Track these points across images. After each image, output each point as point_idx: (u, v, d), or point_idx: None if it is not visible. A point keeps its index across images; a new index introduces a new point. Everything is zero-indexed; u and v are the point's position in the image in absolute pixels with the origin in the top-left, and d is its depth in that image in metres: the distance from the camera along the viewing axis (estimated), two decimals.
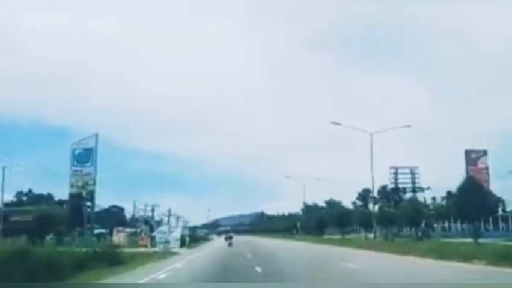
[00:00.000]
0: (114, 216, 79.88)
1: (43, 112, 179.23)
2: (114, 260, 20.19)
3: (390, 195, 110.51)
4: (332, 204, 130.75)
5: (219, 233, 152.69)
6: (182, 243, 40.49)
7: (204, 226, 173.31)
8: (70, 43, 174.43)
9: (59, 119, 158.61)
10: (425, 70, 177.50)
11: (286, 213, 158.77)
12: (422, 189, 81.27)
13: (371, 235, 78.66)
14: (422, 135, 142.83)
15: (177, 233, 41.48)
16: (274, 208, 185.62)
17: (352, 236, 77.87)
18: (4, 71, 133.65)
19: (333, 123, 45.68)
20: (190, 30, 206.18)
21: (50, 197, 73.66)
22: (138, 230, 47.59)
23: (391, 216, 55.49)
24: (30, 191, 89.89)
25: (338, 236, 77.05)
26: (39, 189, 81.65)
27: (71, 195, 58.12)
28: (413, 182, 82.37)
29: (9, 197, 74.30)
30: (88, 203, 59.80)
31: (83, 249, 21.58)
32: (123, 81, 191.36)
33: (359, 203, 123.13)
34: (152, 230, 26.99)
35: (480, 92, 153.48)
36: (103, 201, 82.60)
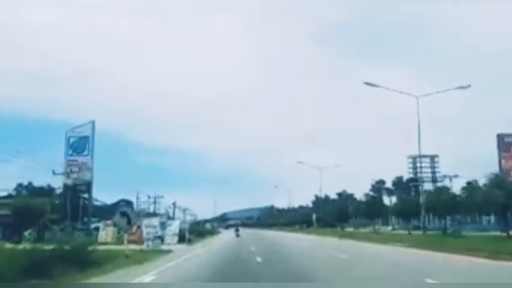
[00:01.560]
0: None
1: (46, 107, 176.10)
2: (81, 262, 15.86)
3: (406, 186, 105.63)
4: (344, 196, 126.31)
5: (227, 227, 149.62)
6: (181, 239, 35.36)
7: (213, 220, 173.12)
8: (73, 39, 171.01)
9: (61, 114, 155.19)
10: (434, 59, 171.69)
11: (297, 206, 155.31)
12: (442, 179, 75.87)
13: (389, 228, 74.14)
14: (445, 121, 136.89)
15: (175, 227, 36.35)
16: (284, 202, 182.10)
17: (367, 229, 73.14)
18: (6, 67, 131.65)
19: (366, 83, 38.31)
20: (192, 26, 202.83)
21: (50, 189, 69.50)
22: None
23: (413, 208, 50.23)
24: (30, 183, 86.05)
25: (351, 229, 72.12)
26: (41, 182, 77.80)
27: (65, 186, 54.27)
28: (433, 172, 77.05)
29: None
30: (85, 195, 56.12)
31: (51, 247, 17.21)
32: (127, 78, 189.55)
33: (372, 194, 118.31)
34: (129, 223, 21.57)
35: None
36: (111, 196, 79.33)
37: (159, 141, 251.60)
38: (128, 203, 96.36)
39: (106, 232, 32.59)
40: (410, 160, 79.14)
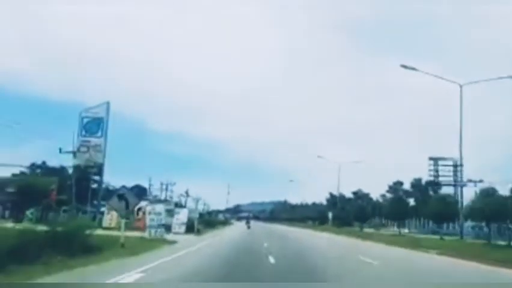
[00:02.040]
0: (137, 197, 75.41)
1: (67, 90, 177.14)
2: (71, 247, 14.33)
3: (425, 188, 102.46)
4: (360, 195, 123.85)
5: (239, 218, 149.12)
6: (190, 228, 33.97)
7: (226, 211, 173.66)
8: (96, 26, 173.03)
9: (81, 96, 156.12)
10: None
11: (310, 203, 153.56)
12: (464, 184, 72.79)
13: (405, 230, 71.62)
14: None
15: (183, 215, 34.74)
16: (297, 197, 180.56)
17: (387, 230, 70.77)
18: (32, 53, 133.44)
19: (402, 66, 34.61)
20: (214, 15, 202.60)
21: (63, 169, 68.54)
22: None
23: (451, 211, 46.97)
24: (44, 163, 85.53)
25: (370, 230, 69.55)
26: (55, 162, 77.22)
27: (76, 167, 53.22)
28: (456, 175, 73.85)
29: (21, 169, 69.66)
30: (96, 177, 55.08)
31: (44, 229, 15.75)
32: (147, 66, 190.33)
33: (388, 195, 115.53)
34: (128, 207, 19.39)
35: None
36: (126, 181, 78.49)
37: (177, 129, 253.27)
38: (142, 189, 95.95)
39: (110, 216, 31.10)
40: (432, 162, 75.95)
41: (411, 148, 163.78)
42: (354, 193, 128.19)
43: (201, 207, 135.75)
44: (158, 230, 24.58)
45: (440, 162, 74.29)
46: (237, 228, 57.48)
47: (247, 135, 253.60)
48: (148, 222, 24.86)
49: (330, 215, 70.77)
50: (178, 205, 72.58)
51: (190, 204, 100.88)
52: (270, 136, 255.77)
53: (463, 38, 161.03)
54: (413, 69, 35.21)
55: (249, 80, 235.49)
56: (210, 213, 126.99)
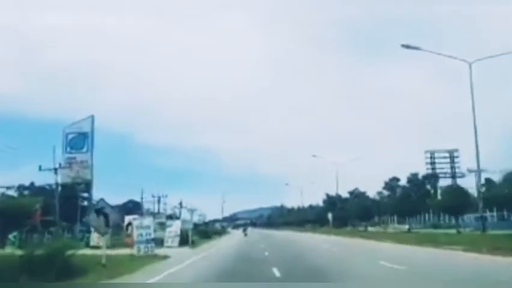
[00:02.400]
0: (130, 212, 73.19)
1: (56, 109, 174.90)
2: (50, 270, 12.70)
3: (422, 183, 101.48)
4: (356, 195, 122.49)
5: (236, 226, 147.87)
6: (184, 241, 31.80)
7: (223, 220, 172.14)
8: (82, 39, 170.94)
9: (68, 114, 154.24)
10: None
11: (306, 206, 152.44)
12: (462, 175, 71.63)
13: (406, 226, 70.22)
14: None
15: (175, 228, 32.35)
16: (292, 201, 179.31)
17: (384, 228, 69.19)
18: (20, 69, 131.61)
19: (404, 46, 31.35)
20: (201, 26, 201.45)
21: (51, 189, 66.25)
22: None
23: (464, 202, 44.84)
24: (32, 183, 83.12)
25: (374, 229, 67.58)
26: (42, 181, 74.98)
27: (63, 186, 51.29)
28: (453, 167, 72.90)
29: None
30: (85, 194, 53.17)
31: (20, 253, 14.15)
32: (137, 78, 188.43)
33: (385, 193, 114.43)
34: (108, 224, 17.43)
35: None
36: (120, 197, 76.47)
37: (168, 141, 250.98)
38: (136, 204, 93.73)
39: (97, 234, 29.09)
40: (428, 155, 75.00)
41: (405, 144, 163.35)
42: (351, 192, 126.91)
43: (196, 218, 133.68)
44: (148, 245, 22.53)
45: (436, 155, 73.69)
46: (234, 237, 55.21)
47: (238, 143, 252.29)
48: (135, 238, 22.89)
49: (330, 216, 68.18)
50: (173, 217, 70.47)
51: (186, 215, 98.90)
52: (262, 142, 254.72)
53: (462, 34, 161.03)
54: (416, 48, 32.00)
55: (239, 87, 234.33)
56: (206, 223, 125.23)
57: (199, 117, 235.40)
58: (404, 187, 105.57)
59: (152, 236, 22.83)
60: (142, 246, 22.41)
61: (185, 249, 28.80)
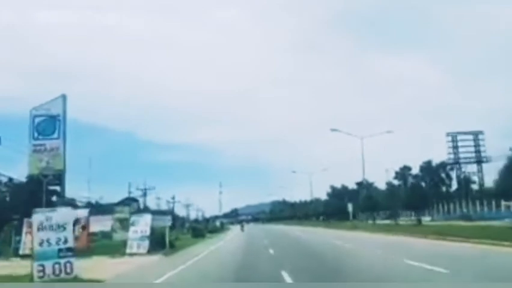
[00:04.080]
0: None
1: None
2: None
3: (436, 171, 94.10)
4: (365, 186, 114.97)
5: (239, 222, 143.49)
6: (159, 244, 22.96)
7: (224, 216, 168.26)
8: (83, 39, 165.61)
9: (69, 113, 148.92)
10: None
11: (309, 200, 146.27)
12: (489, 159, 63.83)
13: (427, 218, 62.50)
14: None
15: (143, 225, 22.63)
16: (295, 195, 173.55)
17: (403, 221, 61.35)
18: (18, 68, 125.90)
19: None
20: (200, 20, 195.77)
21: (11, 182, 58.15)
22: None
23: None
24: (10, 179, 75.46)
25: (387, 222, 58.99)
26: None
27: (30, 177, 43.80)
28: (477, 151, 65.00)
29: None
30: (56, 188, 45.54)
31: None
32: (135, 74, 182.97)
33: (396, 183, 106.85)
34: None
35: None
36: (118, 194, 69.67)
37: (169, 137, 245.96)
38: (134, 201, 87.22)
39: (30, 238, 20.38)
40: (450, 138, 67.01)
41: (415, 132, 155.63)
42: (358, 183, 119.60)
43: (194, 214, 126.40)
44: (62, 260, 12.05)
45: (459, 137, 65.87)
46: (234, 237, 46.05)
47: (239, 138, 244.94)
48: (36, 246, 12.06)
49: (350, 207, 58.22)
50: (167, 213, 62.95)
51: (181, 212, 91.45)
52: (263, 137, 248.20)
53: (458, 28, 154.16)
54: None
55: (238, 81, 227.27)
56: (207, 219, 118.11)
57: (199, 111, 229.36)
58: (416, 176, 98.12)
59: (69, 243, 12.42)
60: (48, 265, 11.96)
61: (155, 259, 19.79)
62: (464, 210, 57.07)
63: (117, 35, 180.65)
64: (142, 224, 22.84)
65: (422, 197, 41.26)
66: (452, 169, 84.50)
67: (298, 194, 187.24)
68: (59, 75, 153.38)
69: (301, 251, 21.93)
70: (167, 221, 24.58)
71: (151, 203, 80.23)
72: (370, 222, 62.03)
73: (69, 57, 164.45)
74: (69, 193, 52.31)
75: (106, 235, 26.39)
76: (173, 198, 68.37)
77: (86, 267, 14.40)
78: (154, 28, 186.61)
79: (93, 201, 64.64)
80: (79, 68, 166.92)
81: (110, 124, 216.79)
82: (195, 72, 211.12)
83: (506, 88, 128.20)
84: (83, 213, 22.38)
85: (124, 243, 22.22)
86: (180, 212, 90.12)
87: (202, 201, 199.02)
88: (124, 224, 23.15)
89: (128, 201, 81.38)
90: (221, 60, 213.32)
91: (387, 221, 59.29)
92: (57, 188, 44.91)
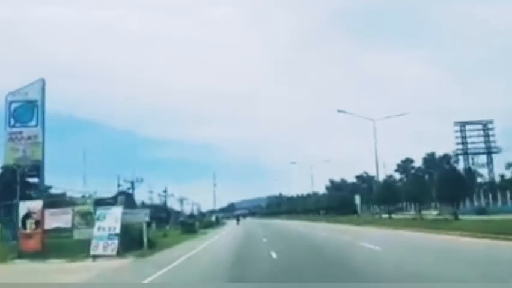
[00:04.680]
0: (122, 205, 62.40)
1: (56, 104, 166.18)
2: None
3: (439, 163, 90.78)
4: (365, 179, 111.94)
5: (235, 216, 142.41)
6: (134, 243, 19.06)
7: (221, 210, 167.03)
8: (82, 36, 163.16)
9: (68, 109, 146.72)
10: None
11: (305, 194, 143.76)
12: (499, 150, 60.30)
13: (434, 212, 59.03)
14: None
15: (112, 221, 18.49)
16: (290, 190, 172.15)
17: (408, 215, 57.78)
18: (15, 65, 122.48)
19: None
20: (199, 17, 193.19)
21: None
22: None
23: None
24: None
25: (408, 215, 53.60)
26: None
27: (5, 168, 40.20)
28: (487, 141, 61.25)
29: None
30: (34, 180, 41.93)
31: None
32: (134, 71, 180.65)
33: (397, 176, 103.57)
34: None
35: None
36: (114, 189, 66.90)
37: (166, 133, 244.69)
38: (129, 196, 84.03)
39: None
40: (457, 127, 63.07)
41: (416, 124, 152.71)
42: (358, 177, 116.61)
43: (189, 208, 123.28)
44: None
45: (468, 127, 62.08)
46: (229, 232, 41.87)
47: (236, 134, 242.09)
48: None
49: (357, 200, 53.16)
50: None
51: (175, 206, 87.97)
52: (260, 132, 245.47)
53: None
54: None
55: (235, 78, 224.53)
56: (203, 214, 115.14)
57: (197, 108, 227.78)
58: (419, 168, 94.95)
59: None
60: None
61: (124, 264, 15.94)
62: (475, 203, 53.73)
63: (116, 33, 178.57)
64: (110, 219, 18.63)
65: (459, 186, 35.42)
66: (456, 161, 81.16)
67: (295, 189, 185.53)
68: (58, 73, 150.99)
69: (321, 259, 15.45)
70: (144, 216, 20.60)
71: (144, 197, 76.94)
72: (382, 216, 57.40)
73: (67, 55, 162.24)
74: (66, 188, 49.77)
75: (66, 232, 21.70)
76: (165, 191, 64.48)
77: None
78: (153, 25, 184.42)
79: (87, 195, 61.83)
80: (77, 66, 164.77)
81: (109, 121, 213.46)
82: (192, 69, 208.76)
83: (506, 88, 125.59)
84: (36, 206, 18.59)
85: (88, 243, 18.46)
86: (176, 207, 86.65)
87: (199, 197, 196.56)
88: (88, 219, 19.17)
89: (122, 195, 78.06)
90: (218, 57, 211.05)
91: (400, 215, 54.47)
92: (36, 180, 41.25)
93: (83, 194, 57.92)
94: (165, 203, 64.20)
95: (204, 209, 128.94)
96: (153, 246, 20.45)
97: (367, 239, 22.71)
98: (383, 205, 56.43)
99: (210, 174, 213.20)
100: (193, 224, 46.86)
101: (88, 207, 20.01)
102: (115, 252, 17.92)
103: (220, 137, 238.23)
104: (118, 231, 18.55)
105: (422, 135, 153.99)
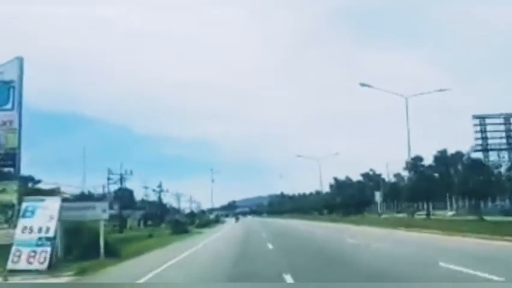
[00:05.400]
0: (121, 201, 59.22)
1: (54, 100, 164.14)
2: None
3: (452, 160, 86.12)
4: (371, 177, 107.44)
5: (235, 214, 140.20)
6: (91, 251, 13.94)
7: (222, 208, 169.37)
8: (80, 29, 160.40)
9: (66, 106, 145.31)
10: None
11: (307, 193, 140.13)
12: None
13: (449, 213, 54.99)
14: None
15: (43, 219, 13.33)
16: (295, 188, 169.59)
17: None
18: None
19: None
20: (201, 15, 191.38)
21: None
22: None
23: None
24: None
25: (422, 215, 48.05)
26: None
27: None
28: (509, 136, 56.87)
29: None
30: (8, 169, 37.85)
31: None
32: (132, 67, 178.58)
33: (405, 174, 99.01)
34: None
35: None
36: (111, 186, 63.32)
37: (167, 131, 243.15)
38: (129, 192, 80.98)
39: None
40: (477, 121, 58.65)
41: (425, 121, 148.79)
42: (364, 175, 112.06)
43: (187, 205, 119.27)
44: None
45: (488, 121, 57.72)
46: (226, 233, 36.03)
47: (237, 132, 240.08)
48: None
49: (377, 196, 47.57)
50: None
51: (174, 204, 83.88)
52: (263, 130, 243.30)
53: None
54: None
55: (236, 77, 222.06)
56: (203, 212, 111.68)
57: (197, 106, 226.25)
58: (430, 166, 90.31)
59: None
60: None
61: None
62: (497, 203, 49.58)
63: (115, 29, 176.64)
64: (42, 216, 13.52)
65: (487, 181, 30.08)
66: (469, 158, 76.60)
67: (298, 188, 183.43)
68: (55, 67, 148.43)
69: None
70: (100, 212, 14.94)
71: (141, 194, 73.29)
72: (401, 215, 52.07)
73: (66, 50, 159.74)
74: (62, 183, 47.12)
75: None
76: (159, 186, 59.92)
77: None
78: (152, 22, 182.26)
79: (86, 191, 58.94)
80: (76, 61, 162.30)
81: (107, 117, 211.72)
82: (192, 67, 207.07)
83: (506, 88, 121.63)
84: None
85: (7, 251, 13.05)
86: (175, 204, 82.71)
87: (199, 195, 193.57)
88: (8, 214, 14.24)
89: (121, 191, 74.29)
90: (218, 55, 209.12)
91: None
92: (11, 169, 37.01)
93: (82, 190, 54.93)
94: (159, 199, 59.89)
95: (204, 207, 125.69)
96: (114, 253, 15.16)
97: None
98: (410, 202, 52.40)
99: (210, 172, 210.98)
100: (185, 223, 42.05)
101: (10, 197, 14.58)
102: (45, 266, 12.44)
103: (221, 135, 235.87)
104: (51, 233, 13.12)
105: (428, 132, 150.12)
